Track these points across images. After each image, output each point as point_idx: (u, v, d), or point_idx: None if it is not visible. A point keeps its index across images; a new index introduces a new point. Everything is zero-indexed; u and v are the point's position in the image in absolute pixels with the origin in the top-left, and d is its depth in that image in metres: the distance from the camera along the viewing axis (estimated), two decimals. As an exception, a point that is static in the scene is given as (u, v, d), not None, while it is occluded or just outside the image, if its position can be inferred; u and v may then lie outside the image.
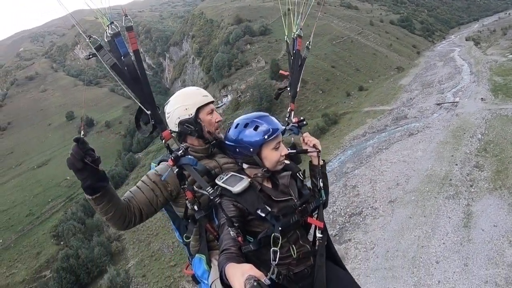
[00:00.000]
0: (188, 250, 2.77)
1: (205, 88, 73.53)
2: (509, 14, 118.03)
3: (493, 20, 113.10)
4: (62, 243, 35.68)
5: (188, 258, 2.88)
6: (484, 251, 14.26)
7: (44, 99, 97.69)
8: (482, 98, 32.95)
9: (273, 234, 2.24)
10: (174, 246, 27.28)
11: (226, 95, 62.64)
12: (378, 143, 30.66)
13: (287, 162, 2.66)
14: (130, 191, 2.41)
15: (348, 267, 12.34)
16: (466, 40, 79.39)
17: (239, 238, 2.15)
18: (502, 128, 25.00)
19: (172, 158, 2.42)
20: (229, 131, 2.52)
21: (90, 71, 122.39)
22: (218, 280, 2.12)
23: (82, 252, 30.05)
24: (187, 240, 2.65)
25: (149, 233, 30.93)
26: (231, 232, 2.11)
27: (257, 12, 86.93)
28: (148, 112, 2.35)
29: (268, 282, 1.49)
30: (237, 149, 2.47)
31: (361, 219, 19.84)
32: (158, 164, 2.72)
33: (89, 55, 2.29)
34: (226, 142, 2.54)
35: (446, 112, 32.63)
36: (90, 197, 2.02)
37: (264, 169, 2.46)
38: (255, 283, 1.42)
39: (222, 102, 62.69)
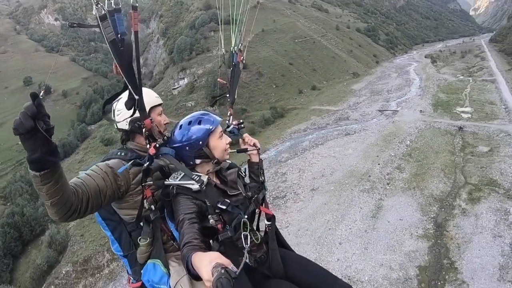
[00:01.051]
0: (129, 262, 2.68)
1: (165, 69, 73.91)
2: (473, 39, 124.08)
3: (457, 42, 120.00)
4: (8, 204, 36.25)
5: (127, 272, 2.78)
6: (386, 240, 15.46)
7: (3, 61, 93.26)
8: (421, 110, 35.14)
9: (242, 220, 2.38)
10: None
11: (183, 78, 62.44)
12: (316, 139, 32.17)
13: (229, 161, 2.84)
14: (78, 177, 2.22)
15: None
16: (425, 57, 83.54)
17: (219, 225, 2.33)
18: (431, 138, 26.93)
19: (157, 146, 2.41)
20: (173, 134, 2.56)
21: (54, 37, 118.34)
22: (184, 279, 2.26)
23: (27, 210, 31.25)
24: (143, 243, 2.49)
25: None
26: (194, 226, 2.15)
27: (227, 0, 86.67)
28: (136, 97, 2.25)
29: (235, 269, 1.50)
30: (187, 148, 2.51)
31: (283, 202, 21.11)
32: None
33: (74, 24, 2.08)
34: (174, 145, 2.56)
35: (385, 119, 34.58)
36: (37, 173, 1.73)
37: (215, 161, 2.58)
38: (222, 271, 1.43)
39: (178, 84, 62.63)
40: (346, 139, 30.09)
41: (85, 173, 2.28)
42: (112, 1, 1.99)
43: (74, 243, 26.50)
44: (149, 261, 2.48)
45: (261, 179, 3.01)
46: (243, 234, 2.35)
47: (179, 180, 2.37)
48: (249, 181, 2.99)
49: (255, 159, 3.02)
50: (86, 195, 2.12)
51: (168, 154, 2.57)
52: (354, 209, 18.33)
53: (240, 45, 3.40)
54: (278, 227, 11.68)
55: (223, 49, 3.63)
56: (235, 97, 3.41)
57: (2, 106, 71.48)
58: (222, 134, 2.60)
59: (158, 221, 2.51)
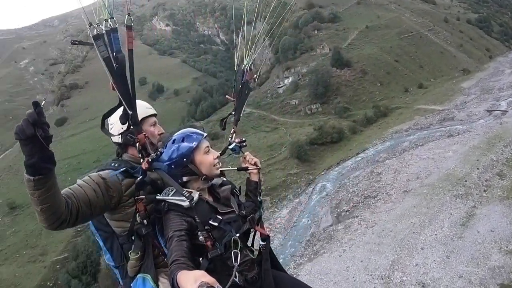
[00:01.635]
0: (121, 273, 2.71)
1: (271, 68, 76.56)
2: None
3: None
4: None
5: (119, 282, 2.80)
6: (471, 251, 14.41)
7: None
8: (534, 111, 31.61)
9: (232, 237, 2.44)
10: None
11: (288, 77, 64.95)
12: (417, 140, 31.36)
13: (224, 178, 2.87)
14: (68, 188, 2.24)
15: (346, 237, 17.31)
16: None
17: (208, 243, 2.33)
18: (542, 144, 24.29)
19: (149, 160, 2.47)
20: (162, 155, 2.60)
21: (165, 42, 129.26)
22: None
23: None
24: (133, 256, 2.51)
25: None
26: (182, 244, 2.15)
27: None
28: (130, 113, 2.33)
29: (221, 287, 1.52)
30: (172, 166, 2.55)
31: (373, 202, 21.45)
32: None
33: (75, 41, 2.49)
34: (164, 164, 2.58)
35: (493, 120, 32.24)
36: (31, 177, 1.80)
37: (203, 177, 2.61)
38: None
39: (283, 83, 65.14)
40: (448, 141, 28.66)
41: (77, 184, 2.32)
42: (104, 24, 2.16)
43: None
44: (139, 275, 2.51)
45: (258, 198, 3.05)
46: (233, 252, 2.42)
47: (170, 196, 2.39)
48: (244, 200, 3.00)
49: (254, 178, 3.08)
50: (76, 207, 2.15)
51: (161, 170, 2.57)
52: (444, 215, 17.51)
53: (250, 63, 3.46)
54: (364, 225, 15.77)
55: (237, 65, 3.62)
56: (241, 115, 3.43)
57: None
58: (208, 149, 2.63)
59: (150, 236, 2.51)
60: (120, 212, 2.54)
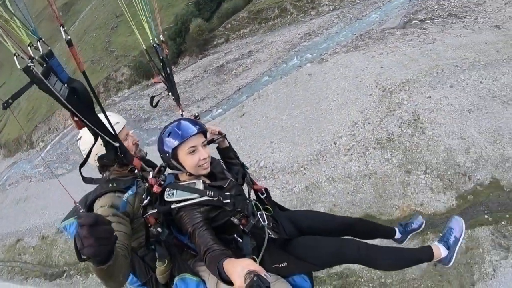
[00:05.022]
0: (150, 287, 2.72)
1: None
2: None
3: None
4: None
5: None
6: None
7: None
8: None
9: (253, 203, 2.71)
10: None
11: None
12: None
13: None
14: None
15: (395, 43, 17.14)
16: None
17: (243, 221, 2.51)
18: None
19: (161, 183, 2.45)
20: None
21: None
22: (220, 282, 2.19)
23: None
24: (162, 265, 2.50)
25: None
26: (206, 232, 2.24)
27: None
28: (117, 145, 2.12)
29: (268, 276, 1.51)
30: (161, 156, 2.60)
31: (454, 22, 18.91)
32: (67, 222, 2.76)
33: (9, 102, 1.69)
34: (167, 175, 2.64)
35: None
36: (102, 266, 1.70)
37: (187, 173, 2.61)
38: (255, 278, 1.45)
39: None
40: None
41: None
42: (40, 46, 1.65)
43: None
44: (176, 279, 2.50)
45: (238, 161, 3.15)
46: (259, 214, 2.65)
47: (177, 196, 2.41)
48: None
49: (224, 145, 3.13)
50: (125, 248, 2.18)
51: (171, 183, 2.58)
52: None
53: (160, 35, 3.17)
54: (420, 40, 16.47)
55: (151, 40, 3.21)
56: (178, 93, 3.28)
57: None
58: (194, 150, 2.53)
59: (170, 238, 2.47)
60: (133, 227, 2.54)
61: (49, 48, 1.69)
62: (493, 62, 14.81)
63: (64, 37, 1.67)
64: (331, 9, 27.85)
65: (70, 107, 1.70)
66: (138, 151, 2.96)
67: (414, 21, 20.66)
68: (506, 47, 15.60)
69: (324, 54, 19.97)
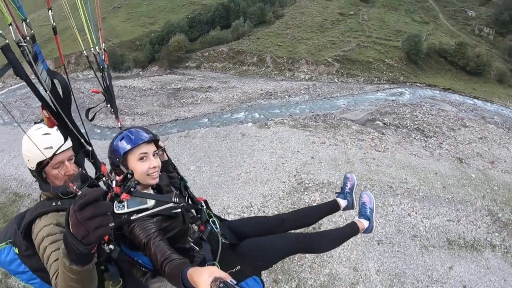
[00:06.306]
0: None
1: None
2: None
3: None
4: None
5: None
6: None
7: None
8: None
9: (206, 212, 2.85)
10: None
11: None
12: None
13: None
14: (55, 261, 2.02)
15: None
16: None
17: (202, 227, 2.65)
18: None
19: (130, 190, 2.18)
20: None
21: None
22: None
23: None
24: (116, 286, 2.23)
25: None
26: (161, 242, 2.18)
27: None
28: (90, 148, 2.14)
29: (234, 282, 1.50)
30: (110, 160, 2.52)
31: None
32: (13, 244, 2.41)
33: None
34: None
35: None
36: (81, 268, 1.57)
37: (135, 181, 2.31)
38: (221, 285, 1.44)
39: None
40: None
41: (58, 249, 1.99)
42: (21, 34, 1.35)
43: None
44: None
45: (178, 174, 3.09)
46: (211, 221, 2.79)
47: (128, 207, 2.21)
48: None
49: (163, 158, 3.02)
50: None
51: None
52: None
53: (103, 44, 2.87)
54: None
55: (92, 48, 2.83)
56: (116, 105, 3.06)
57: None
58: (144, 156, 2.48)
59: (122, 256, 2.28)
60: None
61: (32, 32, 1.48)
62: (433, 198, 13.35)
63: (52, 21, 1.66)
64: (306, 78, 27.84)
65: (54, 102, 1.59)
66: (67, 183, 2.18)
67: (377, 122, 20.06)
68: (456, 186, 14.10)
69: (271, 120, 19.39)
